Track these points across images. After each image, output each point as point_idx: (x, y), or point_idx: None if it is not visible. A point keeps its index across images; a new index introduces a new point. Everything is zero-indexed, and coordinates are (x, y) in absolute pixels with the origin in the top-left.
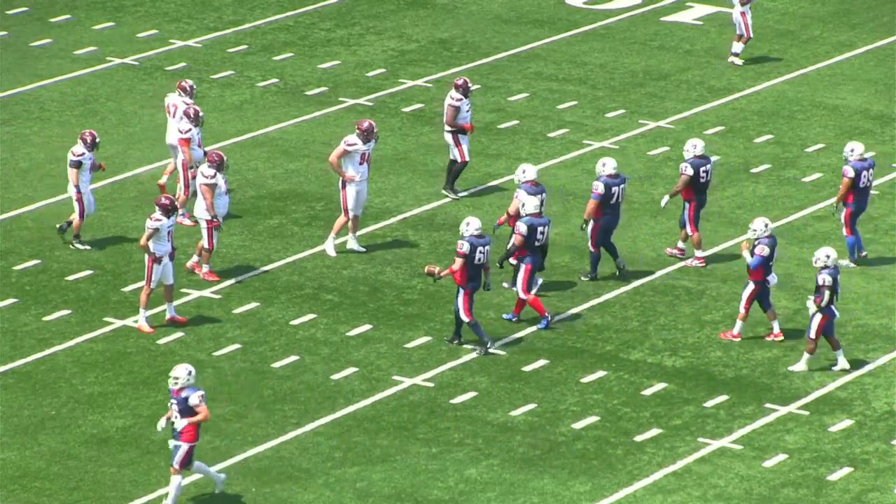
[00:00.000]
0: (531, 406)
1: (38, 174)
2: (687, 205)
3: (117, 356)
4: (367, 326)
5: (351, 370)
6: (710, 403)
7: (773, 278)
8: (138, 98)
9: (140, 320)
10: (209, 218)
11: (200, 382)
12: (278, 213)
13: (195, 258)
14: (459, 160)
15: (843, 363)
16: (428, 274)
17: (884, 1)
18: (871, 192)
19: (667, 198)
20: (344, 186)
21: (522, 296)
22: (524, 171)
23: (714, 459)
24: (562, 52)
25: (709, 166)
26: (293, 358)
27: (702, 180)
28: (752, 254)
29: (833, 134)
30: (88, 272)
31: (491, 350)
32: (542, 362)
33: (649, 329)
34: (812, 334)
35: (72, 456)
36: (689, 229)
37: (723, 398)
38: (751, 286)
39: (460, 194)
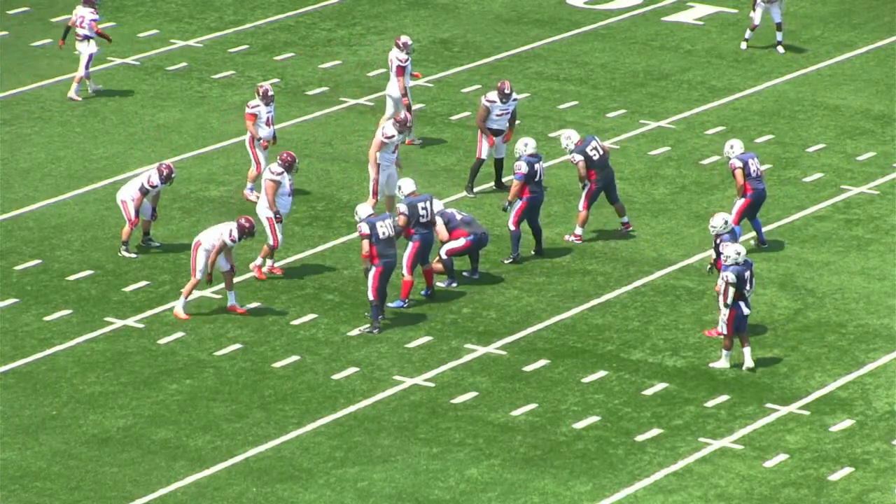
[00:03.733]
0: (532, 406)
1: (38, 174)
2: (588, 184)
3: (118, 356)
4: (368, 326)
5: (352, 370)
6: (710, 403)
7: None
8: (139, 98)
9: (231, 300)
10: (270, 215)
11: (201, 382)
12: None
13: (259, 260)
14: (477, 156)
15: (748, 362)
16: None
17: (884, 1)
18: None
19: (582, 183)
20: (378, 174)
21: (405, 272)
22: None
23: (715, 459)
24: (563, 52)
25: (594, 142)
26: (294, 358)
27: (595, 158)
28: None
29: (834, 134)
30: (89, 272)
31: (374, 332)
32: (542, 362)
33: (650, 329)
34: (725, 331)
35: (73, 456)
36: (581, 205)
37: (723, 398)
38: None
39: (475, 191)
